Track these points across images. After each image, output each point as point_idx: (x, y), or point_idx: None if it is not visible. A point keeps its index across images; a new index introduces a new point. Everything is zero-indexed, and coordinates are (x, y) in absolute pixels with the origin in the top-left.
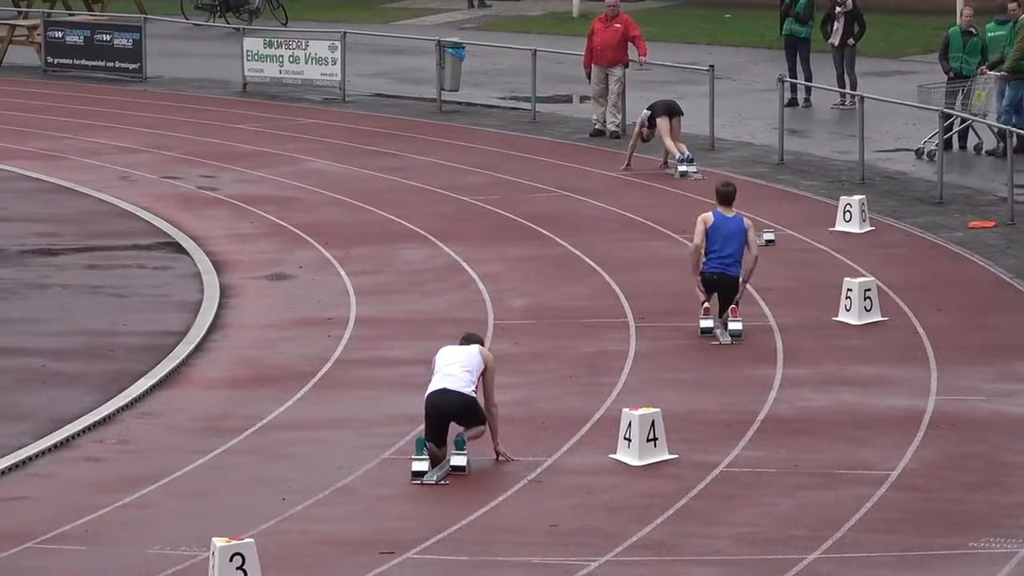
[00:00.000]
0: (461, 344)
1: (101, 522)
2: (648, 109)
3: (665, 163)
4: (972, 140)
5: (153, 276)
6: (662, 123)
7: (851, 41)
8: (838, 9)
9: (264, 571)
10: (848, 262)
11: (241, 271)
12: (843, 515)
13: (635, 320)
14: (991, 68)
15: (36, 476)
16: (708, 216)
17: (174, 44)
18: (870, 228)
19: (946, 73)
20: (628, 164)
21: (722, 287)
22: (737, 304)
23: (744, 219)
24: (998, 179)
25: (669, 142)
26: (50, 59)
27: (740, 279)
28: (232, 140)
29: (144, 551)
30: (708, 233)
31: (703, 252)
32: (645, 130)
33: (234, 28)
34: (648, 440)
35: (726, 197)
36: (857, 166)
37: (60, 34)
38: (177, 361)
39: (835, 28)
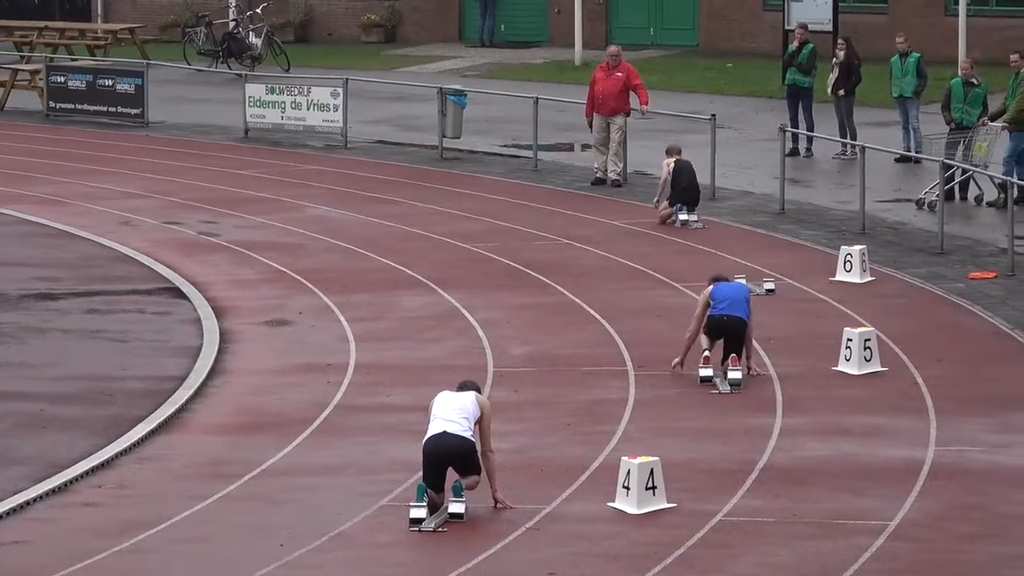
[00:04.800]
0: (457, 391)
1: (99, 567)
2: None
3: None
4: (973, 191)
5: (153, 321)
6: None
7: (841, 91)
8: (833, 60)
9: None
10: (848, 312)
11: (241, 317)
12: (841, 565)
13: (635, 368)
14: (992, 119)
15: (34, 521)
16: (708, 290)
17: (176, 89)
18: (870, 278)
19: (948, 124)
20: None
21: (729, 330)
22: (739, 355)
23: (747, 287)
24: (999, 230)
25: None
26: (52, 104)
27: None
28: (234, 186)
29: None
30: (712, 295)
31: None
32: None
33: (236, 74)
34: (647, 488)
35: (721, 277)
36: (858, 216)
37: (62, 79)
38: (176, 406)
39: (829, 78)
